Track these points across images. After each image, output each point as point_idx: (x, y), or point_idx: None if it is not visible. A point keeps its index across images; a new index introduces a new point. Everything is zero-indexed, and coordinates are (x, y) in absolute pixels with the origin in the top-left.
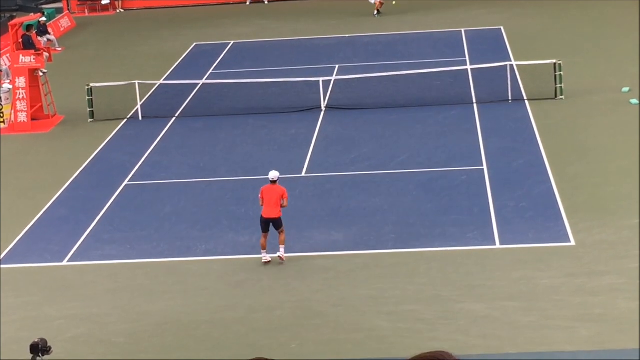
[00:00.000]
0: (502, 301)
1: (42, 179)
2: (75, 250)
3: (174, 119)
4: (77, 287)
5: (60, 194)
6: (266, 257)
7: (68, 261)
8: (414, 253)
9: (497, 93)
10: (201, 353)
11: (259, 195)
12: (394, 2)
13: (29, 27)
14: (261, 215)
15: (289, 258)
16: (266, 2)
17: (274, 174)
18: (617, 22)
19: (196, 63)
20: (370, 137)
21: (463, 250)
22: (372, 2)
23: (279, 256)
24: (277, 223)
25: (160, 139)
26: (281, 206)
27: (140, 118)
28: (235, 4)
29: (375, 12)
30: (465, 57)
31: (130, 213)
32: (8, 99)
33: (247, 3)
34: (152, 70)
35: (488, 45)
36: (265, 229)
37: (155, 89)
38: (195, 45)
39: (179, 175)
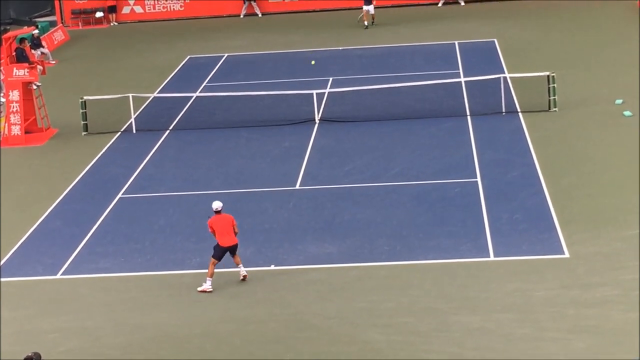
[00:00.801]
0: (496, 313)
1: (36, 192)
2: (69, 264)
3: (167, 131)
4: (71, 300)
5: (54, 207)
6: (210, 287)
7: (62, 274)
8: (408, 265)
9: (490, 105)
10: None
11: (209, 230)
12: (312, 62)
13: (22, 40)
14: (220, 246)
15: (281, 270)
16: (260, 15)
17: (217, 204)
18: (610, 34)
19: (190, 76)
20: (364, 149)
21: (457, 263)
22: (369, 12)
23: (244, 276)
24: (236, 249)
25: (154, 151)
26: (235, 233)
27: (134, 131)
28: (229, 16)
29: (366, 23)
30: (458, 69)
31: (124, 226)
32: (2, 112)
33: (241, 16)
34: (146, 83)
35: (481, 57)
36: (221, 258)
37: (149, 102)
38: (189, 58)
39: (173, 188)
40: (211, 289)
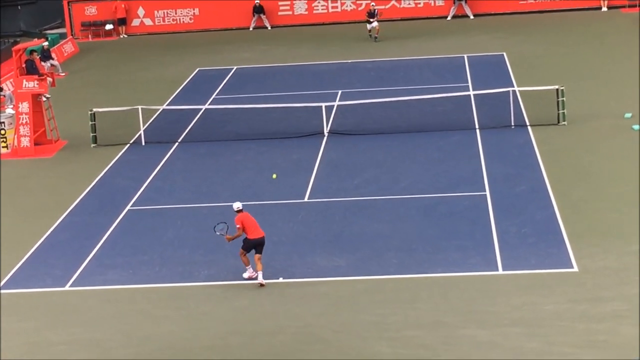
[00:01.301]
0: (504, 327)
1: (45, 204)
2: (78, 275)
3: (176, 144)
4: (80, 312)
5: (63, 219)
6: (253, 272)
7: (70, 286)
8: (416, 278)
9: (499, 119)
10: None
11: (238, 226)
12: (274, 176)
13: (32, 52)
14: (249, 239)
15: (290, 283)
16: (269, 28)
17: (238, 204)
18: (619, 48)
19: (199, 88)
20: (373, 162)
21: (465, 276)
22: (373, 26)
23: (261, 284)
24: (263, 243)
25: (163, 164)
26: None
27: (143, 143)
28: (238, 29)
29: (376, 36)
30: (467, 82)
31: (132, 238)
32: (11, 124)
33: (250, 29)
34: (155, 95)
35: (490, 71)
36: (250, 250)
37: (158, 114)
38: (199, 70)
39: (182, 200)
40: (255, 274)
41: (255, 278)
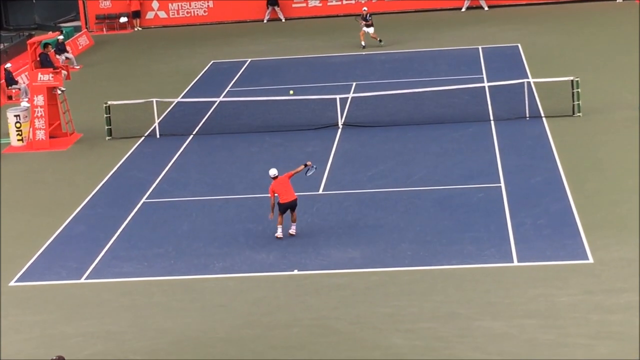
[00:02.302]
0: (520, 319)
1: (60, 197)
2: (93, 268)
3: (191, 136)
4: (95, 304)
5: (78, 212)
6: (280, 234)
7: (85, 279)
8: (431, 270)
9: (514, 110)
10: None
11: (270, 195)
12: (291, 92)
13: (47, 46)
14: (282, 203)
15: (305, 275)
16: (283, 20)
17: (274, 171)
18: (634, 39)
19: (213, 81)
20: (387, 154)
21: (480, 268)
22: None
23: (290, 233)
24: (296, 205)
25: (178, 156)
26: (295, 173)
27: (158, 136)
28: (253, 21)
29: (364, 43)
30: (482, 74)
31: (147, 231)
32: (27, 117)
33: (265, 21)
34: (170, 88)
35: (505, 62)
36: (284, 212)
37: (173, 107)
38: (213, 63)
39: (197, 192)
40: (281, 236)
41: (281, 238)
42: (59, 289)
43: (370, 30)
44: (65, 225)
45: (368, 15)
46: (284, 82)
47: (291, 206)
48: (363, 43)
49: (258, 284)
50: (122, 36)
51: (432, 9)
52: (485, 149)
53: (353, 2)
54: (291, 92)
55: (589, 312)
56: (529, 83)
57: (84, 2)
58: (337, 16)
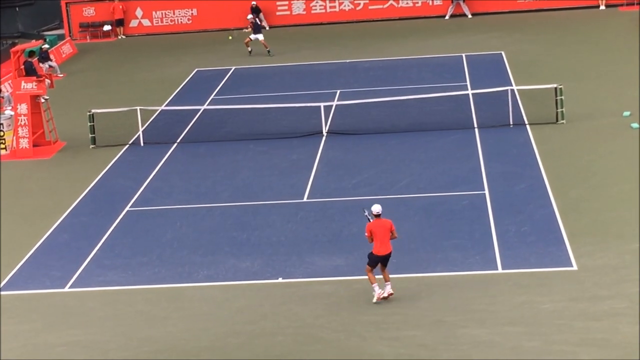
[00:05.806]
0: (504, 326)
1: (44, 205)
2: (77, 277)
3: (175, 144)
4: (78, 313)
5: (62, 220)
6: (380, 291)
7: (69, 287)
8: (416, 278)
9: (498, 117)
10: None
11: (367, 234)
12: (230, 37)
13: (30, 54)
14: (374, 254)
15: (289, 283)
16: (267, 28)
17: (378, 207)
18: (618, 46)
19: (197, 89)
20: (372, 162)
21: (465, 275)
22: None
23: (390, 294)
24: (389, 258)
25: (162, 164)
26: (391, 239)
27: (142, 144)
28: (236, 29)
29: (250, 49)
30: (466, 81)
31: (131, 239)
32: (10, 125)
33: (248, 29)
34: (154, 96)
35: (489, 69)
36: (376, 265)
37: (157, 115)
38: (197, 71)
39: (181, 201)
40: (383, 292)
41: (385, 298)
42: (43, 298)
43: (260, 37)
44: (49, 234)
45: (263, 21)
46: (268, 89)
47: (384, 260)
48: (249, 49)
49: (242, 292)
50: (105, 44)
51: (415, 16)
52: (469, 156)
53: (337, 9)
54: (230, 37)
55: (573, 319)
56: (512, 90)
57: (67, 11)
58: (322, 24)
